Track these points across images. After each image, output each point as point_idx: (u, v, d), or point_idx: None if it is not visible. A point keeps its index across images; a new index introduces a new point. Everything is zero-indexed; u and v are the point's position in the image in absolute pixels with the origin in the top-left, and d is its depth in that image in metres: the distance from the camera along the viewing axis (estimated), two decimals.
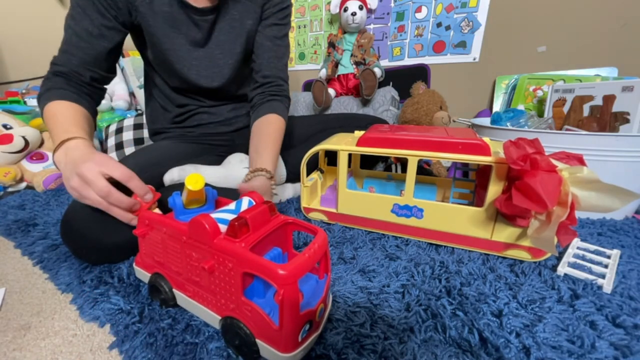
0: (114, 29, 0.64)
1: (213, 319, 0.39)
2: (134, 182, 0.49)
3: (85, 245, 0.52)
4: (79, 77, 0.62)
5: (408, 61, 1.42)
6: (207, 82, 0.75)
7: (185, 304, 0.43)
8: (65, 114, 0.57)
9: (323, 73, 1.39)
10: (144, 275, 0.48)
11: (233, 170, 0.73)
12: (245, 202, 0.42)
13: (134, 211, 0.50)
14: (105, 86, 0.69)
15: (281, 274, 0.30)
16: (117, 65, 0.71)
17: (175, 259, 0.41)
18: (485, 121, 1.00)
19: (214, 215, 0.38)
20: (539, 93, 1.12)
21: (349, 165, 0.83)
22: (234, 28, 0.74)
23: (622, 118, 0.80)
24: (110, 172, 0.47)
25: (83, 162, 0.47)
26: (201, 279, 0.39)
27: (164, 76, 0.77)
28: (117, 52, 0.68)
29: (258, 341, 0.34)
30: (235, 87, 0.81)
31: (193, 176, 0.42)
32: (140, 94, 1.50)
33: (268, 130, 0.71)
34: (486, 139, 0.57)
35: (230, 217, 0.38)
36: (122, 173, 0.48)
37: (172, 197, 0.44)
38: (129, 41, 0.72)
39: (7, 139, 0.99)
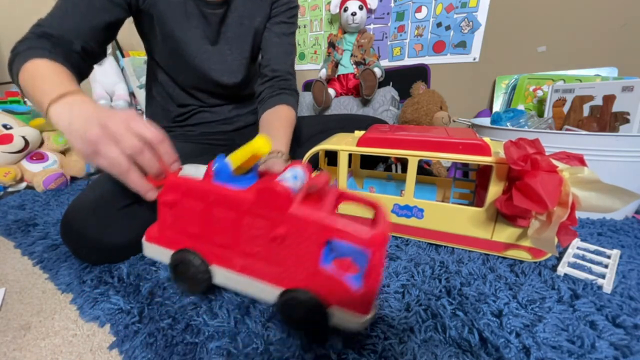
0: (119, 7, 0.61)
1: (269, 293, 0.37)
2: (165, 145, 0.41)
3: (85, 245, 0.52)
4: (69, 44, 0.53)
5: (408, 61, 1.42)
6: (220, 77, 0.75)
7: (227, 281, 0.39)
8: (55, 70, 0.48)
9: (323, 73, 1.39)
10: (162, 253, 0.42)
11: None
12: (299, 171, 0.39)
13: (159, 180, 0.42)
14: (93, 65, 0.63)
15: (373, 236, 0.31)
16: (117, 65, 0.70)
17: (223, 230, 0.37)
18: (485, 121, 1.00)
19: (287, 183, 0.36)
20: (539, 93, 1.12)
21: (349, 166, 0.83)
22: (242, 25, 0.74)
23: (622, 118, 0.80)
24: (140, 130, 0.39)
25: (109, 115, 0.39)
26: (263, 249, 0.36)
27: (172, 70, 0.75)
28: (115, 29, 0.63)
29: (331, 309, 0.35)
30: (243, 86, 0.81)
31: (262, 138, 0.37)
32: (141, 94, 1.50)
33: (280, 118, 0.68)
34: (486, 139, 0.57)
35: (296, 184, 0.36)
36: (155, 133, 0.40)
37: (219, 161, 0.38)
38: (128, 40, 0.72)
39: (7, 139, 0.99)
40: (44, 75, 0.47)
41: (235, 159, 0.39)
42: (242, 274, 0.38)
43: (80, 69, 0.57)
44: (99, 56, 0.64)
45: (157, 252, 0.43)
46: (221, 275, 0.39)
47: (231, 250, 0.38)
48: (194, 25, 0.69)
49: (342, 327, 0.35)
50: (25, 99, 1.23)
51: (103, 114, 0.39)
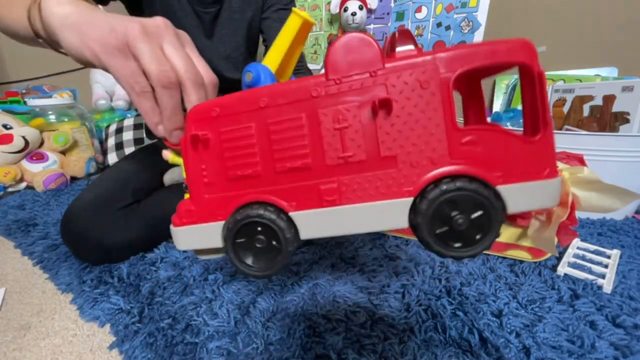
0: None
1: (395, 211, 0.25)
2: (211, 92, 0.32)
3: (85, 245, 0.52)
4: None
5: None
6: (217, 68, 0.74)
7: (325, 226, 0.26)
8: None
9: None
10: (207, 233, 0.28)
11: None
12: None
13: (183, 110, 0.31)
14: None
15: (522, 42, 0.22)
16: None
17: (296, 141, 0.26)
18: None
19: None
20: None
21: None
22: (234, 20, 0.73)
23: (622, 118, 0.80)
24: (196, 56, 0.32)
25: (144, 19, 0.30)
26: (360, 147, 0.25)
27: None
28: None
29: (503, 189, 0.23)
30: (240, 86, 0.81)
31: (295, 9, 0.29)
32: None
33: None
34: None
35: None
36: (211, 72, 0.32)
37: (254, 68, 0.29)
38: None
39: (7, 139, 0.99)
40: None
41: (273, 56, 0.30)
42: (340, 204, 0.25)
43: None
44: None
45: (199, 235, 0.28)
46: (311, 223, 0.26)
47: (313, 173, 0.26)
48: (189, 20, 0.69)
49: (522, 209, 0.24)
50: (25, 99, 1.23)
51: (134, 19, 0.29)
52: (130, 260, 0.55)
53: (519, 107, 1.14)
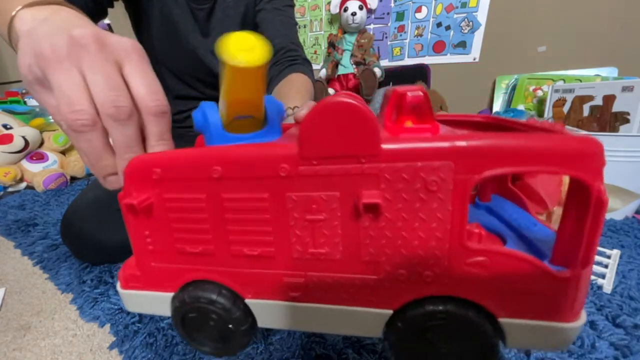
0: None
1: (368, 322, 0.21)
2: (164, 122, 0.24)
3: (86, 245, 0.52)
4: None
5: (408, 61, 1.42)
6: (215, 66, 0.72)
7: (285, 319, 0.23)
8: None
9: (323, 73, 1.39)
10: (156, 301, 0.25)
11: None
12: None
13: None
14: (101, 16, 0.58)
15: (589, 147, 0.16)
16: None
17: (256, 226, 0.21)
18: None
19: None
20: (539, 93, 1.12)
21: None
22: (228, 16, 0.72)
23: (622, 118, 0.80)
24: (140, 77, 0.22)
25: (99, 32, 0.22)
26: (336, 246, 0.20)
27: (166, 54, 0.73)
28: None
29: (508, 324, 0.19)
30: None
31: (236, 39, 0.20)
32: None
33: (292, 83, 0.61)
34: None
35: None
36: (159, 96, 0.23)
37: (200, 110, 0.24)
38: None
39: (7, 139, 0.99)
40: None
41: (222, 99, 0.23)
42: (305, 301, 0.22)
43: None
44: (108, 4, 0.60)
45: (146, 302, 0.25)
46: (269, 313, 0.23)
47: (276, 262, 0.21)
48: (184, 17, 0.69)
49: (529, 348, 0.21)
50: (25, 99, 1.23)
51: (90, 26, 0.23)
52: None
53: (519, 107, 1.14)
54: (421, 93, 0.18)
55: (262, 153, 0.19)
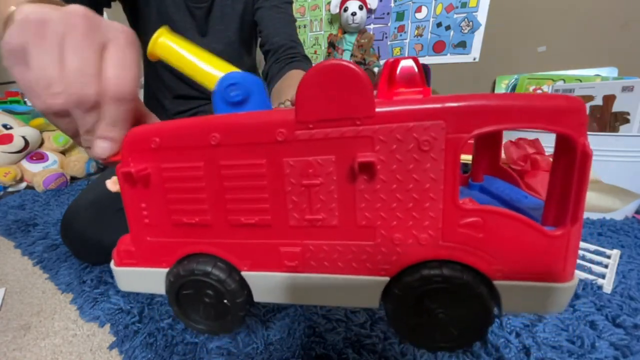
0: None
1: (364, 291, 0.21)
2: (125, 107, 0.22)
3: (86, 245, 0.52)
4: None
5: None
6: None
7: (281, 293, 0.22)
8: None
9: None
10: (151, 277, 0.25)
11: None
12: None
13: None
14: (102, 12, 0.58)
15: (570, 104, 0.16)
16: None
17: (252, 193, 0.21)
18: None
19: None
20: (539, 93, 1.12)
21: None
22: (226, 14, 0.72)
23: (622, 118, 0.80)
24: (114, 62, 0.21)
25: (76, 13, 0.21)
26: (332, 211, 0.20)
27: None
28: None
29: (502, 286, 0.19)
30: None
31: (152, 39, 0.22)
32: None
33: (294, 80, 0.59)
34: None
35: None
36: (128, 82, 0.22)
37: (243, 77, 0.22)
38: None
39: (7, 139, 0.99)
40: None
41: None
42: (302, 271, 0.21)
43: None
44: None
45: (140, 279, 0.25)
46: (265, 286, 0.22)
47: (272, 231, 0.21)
48: (182, 16, 0.69)
49: (523, 312, 0.20)
50: (25, 99, 1.23)
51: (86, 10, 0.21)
52: None
53: None
54: (412, 62, 0.19)
55: (259, 119, 0.19)
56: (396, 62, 0.19)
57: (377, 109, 0.17)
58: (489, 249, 0.18)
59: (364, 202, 0.19)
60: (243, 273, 0.22)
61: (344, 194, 0.19)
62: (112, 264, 0.26)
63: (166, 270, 0.24)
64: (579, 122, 0.16)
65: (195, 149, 0.20)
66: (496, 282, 0.19)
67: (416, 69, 0.19)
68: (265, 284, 0.22)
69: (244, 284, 0.22)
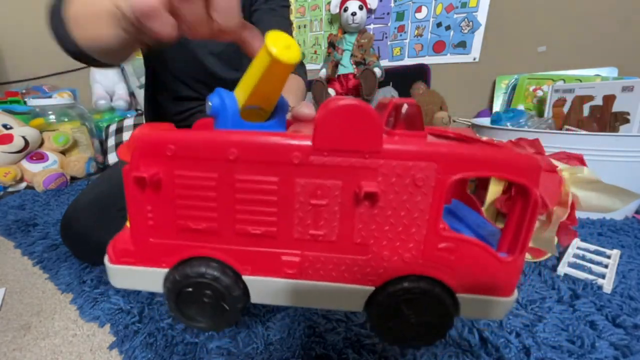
0: None
1: (352, 297, 0.24)
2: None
3: (85, 245, 0.52)
4: None
5: (408, 61, 1.42)
6: (214, 68, 0.72)
7: (278, 295, 0.25)
8: None
9: (323, 73, 1.39)
10: (146, 277, 0.26)
11: None
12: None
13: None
14: None
15: (532, 162, 0.21)
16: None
17: (263, 207, 0.23)
18: (485, 121, 1.00)
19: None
20: (539, 93, 1.12)
21: None
22: None
23: (622, 118, 0.80)
24: None
25: None
26: (333, 229, 0.23)
27: (166, 53, 0.72)
28: None
29: (462, 298, 0.23)
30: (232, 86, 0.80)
31: (275, 35, 0.22)
32: (140, 94, 1.50)
33: (288, 84, 0.60)
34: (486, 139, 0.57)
35: None
36: None
37: (217, 95, 0.24)
38: None
39: (7, 139, 0.99)
40: None
41: (243, 88, 0.24)
42: (299, 278, 0.24)
43: None
44: None
45: (136, 278, 0.26)
46: (264, 289, 0.24)
47: (276, 242, 0.23)
48: None
49: (474, 318, 0.26)
50: (25, 99, 1.23)
51: None
52: None
53: (519, 107, 1.14)
54: (414, 106, 0.22)
55: (279, 141, 0.21)
56: (401, 104, 0.22)
57: (385, 146, 0.21)
58: (457, 268, 0.23)
59: (361, 223, 0.22)
60: (244, 277, 0.24)
61: (345, 214, 0.22)
62: (106, 261, 0.26)
63: (165, 270, 0.25)
64: (535, 176, 0.21)
65: (211, 160, 0.22)
66: (458, 295, 0.23)
67: (417, 113, 0.22)
68: (265, 288, 0.25)
69: (245, 288, 0.25)
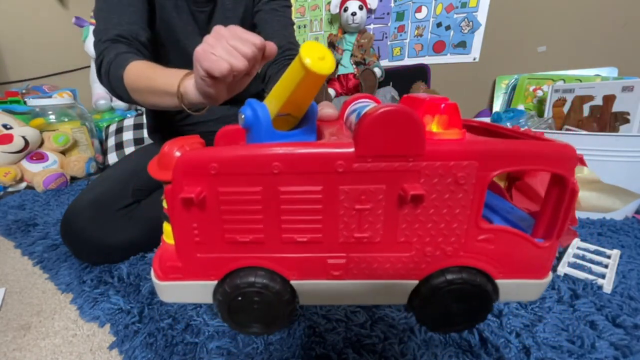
0: None
1: (396, 291, 0.25)
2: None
3: (85, 245, 0.52)
4: (137, 40, 0.57)
5: (408, 61, 1.42)
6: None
7: (325, 296, 0.26)
8: (154, 65, 0.50)
9: None
10: (197, 290, 0.27)
11: None
12: (372, 103, 0.29)
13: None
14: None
15: (567, 152, 0.21)
16: None
17: (308, 215, 0.23)
18: (486, 121, 1.00)
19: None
20: (539, 93, 1.12)
21: None
22: (228, 19, 0.73)
23: (622, 118, 0.80)
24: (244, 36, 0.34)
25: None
26: (377, 231, 0.23)
27: (165, 57, 0.72)
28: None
29: (502, 283, 0.24)
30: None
31: (309, 46, 0.22)
32: None
33: None
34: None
35: None
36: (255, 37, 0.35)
37: (249, 107, 0.25)
38: None
39: (7, 139, 0.99)
40: (152, 69, 0.49)
41: (275, 97, 0.25)
42: (344, 278, 0.25)
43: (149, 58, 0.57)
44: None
45: (187, 291, 0.27)
46: (311, 292, 0.26)
47: (322, 246, 0.24)
48: (184, 21, 0.69)
49: (509, 300, 0.28)
50: (25, 99, 1.23)
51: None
52: (130, 260, 0.55)
53: (519, 107, 1.14)
54: (452, 104, 0.23)
55: (321, 152, 0.22)
56: (439, 102, 0.22)
57: (428, 149, 0.21)
58: (496, 257, 0.24)
59: (405, 223, 0.23)
60: (292, 282, 0.26)
61: (389, 216, 0.23)
62: (154, 279, 0.27)
63: (213, 282, 0.26)
64: (572, 165, 0.22)
65: (255, 175, 0.23)
66: (497, 281, 0.24)
67: (455, 111, 0.23)
68: (312, 290, 0.26)
69: (294, 293, 0.26)
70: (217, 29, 0.36)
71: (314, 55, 0.22)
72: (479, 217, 0.23)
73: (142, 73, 0.49)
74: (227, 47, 0.34)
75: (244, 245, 0.25)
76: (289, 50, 0.70)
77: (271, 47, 0.35)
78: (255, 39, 0.34)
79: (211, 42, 0.34)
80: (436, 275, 0.24)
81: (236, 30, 0.35)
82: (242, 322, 0.27)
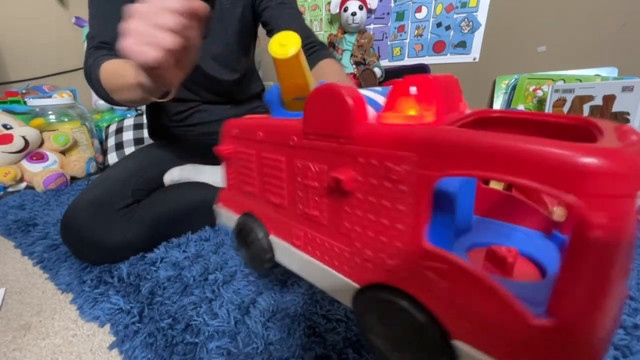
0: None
1: (340, 288, 0.23)
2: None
3: (85, 245, 0.52)
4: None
5: (408, 61, 1.42)
6: (212, 70, 0.73)
7: (290, 261, 0.28)
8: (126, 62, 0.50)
9: None
10: (229, 218, 0.36)
11: None
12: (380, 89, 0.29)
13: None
14: None
15: (572, 162, 0.11)
16: None
17: (276, 181, 0.27)
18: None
19: (362, 91, 0.22)
20: (539, 93, 1.12)
21: None
22: (225, 18, 0.72)
23: (622, 118, 0.80)
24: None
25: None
26: (322, 211, 0.22)
27: None
28: None
29: (465, 349, 0.16)
30: (237, 85, 0.81)
31: (275, 37, 0.26)
32: None
33: (327, 70, 0.64)
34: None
35: (379, 98, 0.23)
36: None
37: (271, 90, 0.30)
38: None
39: (7, 139, 0.99)
40: (122, 66, 0.50)
41: (280, 85, 0.30)
42: (304, 251, 0.25)
43: None
44: None
45: (226, 217, 0.37)
46: (282, 251, 0.28)
47: (287, 213, 0.26)
48: None
49: None
50: (25, 99, 1.23)
51: None
52: (130, 260, 0.55)
53: (520, 107, 1.14)
54: (429, 80, 0.19)
55: (281, 125, 0.25)
56: (409, 82, 0.20)
57: (357, 131, 0.19)
58: (454, 305, 0.17)
59: (344, 213, 0.21)
60: (270, 236, 0.30)
61: (332, 201, 0.22)
62: (214, 206, 0.39)
63: (236, 216, 0.35)
64: (583, 183, 0.12)
65: (249, 140, 0.30)
66: (456, 342, 0.17)
67: (428, 93, 0.19)
68: (282, 251, 0.29)
69: (270, 244, 0.31)
70: (136, 9, 0.32)
71: (275, 43, 0.26)
72: (421, 231, 0.16)
73: (115, 71, 0.51)
74: (149, 32, 0.31)
75: (248, 195, 0.32)
76: (306, 38, 0.70)
77: (198, 4, 0.34)
78: (176, 3, 0.31)
79: (132, 31, 0.31)
80: (375, 288, 0.20)
81: (155, 3, 0.31)
82: (245, 253, 0.36)
